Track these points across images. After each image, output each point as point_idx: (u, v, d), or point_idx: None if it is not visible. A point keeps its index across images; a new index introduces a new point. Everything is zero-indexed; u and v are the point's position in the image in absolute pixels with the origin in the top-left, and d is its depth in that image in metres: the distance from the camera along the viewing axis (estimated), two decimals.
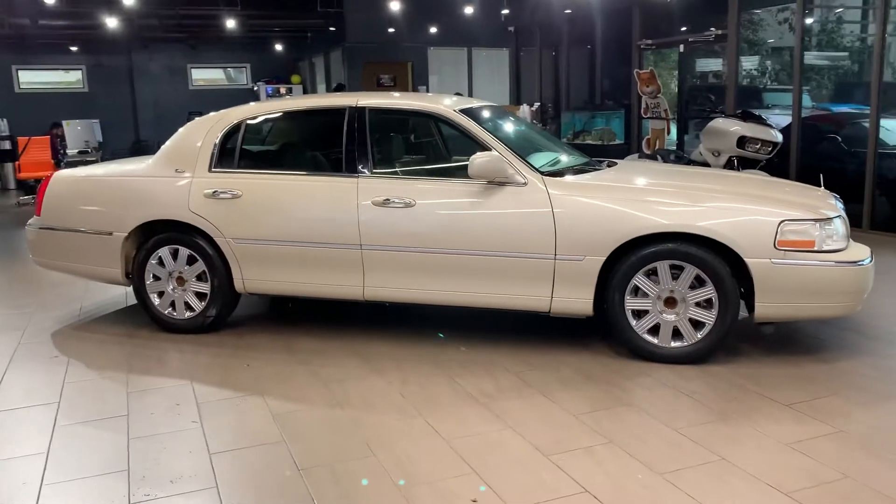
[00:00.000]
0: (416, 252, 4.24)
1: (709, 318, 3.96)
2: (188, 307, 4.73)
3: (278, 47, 18.47)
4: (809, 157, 8.80)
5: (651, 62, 11.64)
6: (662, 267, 3.96)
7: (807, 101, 15.16)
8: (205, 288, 4.67)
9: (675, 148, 10.93)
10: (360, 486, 2.81)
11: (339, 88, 13.94)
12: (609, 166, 4.79)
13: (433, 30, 14.73)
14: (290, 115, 4.87)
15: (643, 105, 10.90)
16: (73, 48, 17.39)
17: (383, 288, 4.38)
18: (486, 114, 4.67)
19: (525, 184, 4.13)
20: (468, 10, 13.91)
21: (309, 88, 18.77)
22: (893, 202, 8.18)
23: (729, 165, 7.86)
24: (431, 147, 5.14)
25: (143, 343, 4.61)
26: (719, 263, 3.88)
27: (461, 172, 4.32)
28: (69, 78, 18.48)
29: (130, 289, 5.68)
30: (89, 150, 12.71)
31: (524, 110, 12.04)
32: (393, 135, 4.98)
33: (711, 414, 3.42)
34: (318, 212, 4.41)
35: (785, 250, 3.81)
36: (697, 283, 3.94)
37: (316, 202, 4.42)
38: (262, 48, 18.57)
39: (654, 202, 4.01)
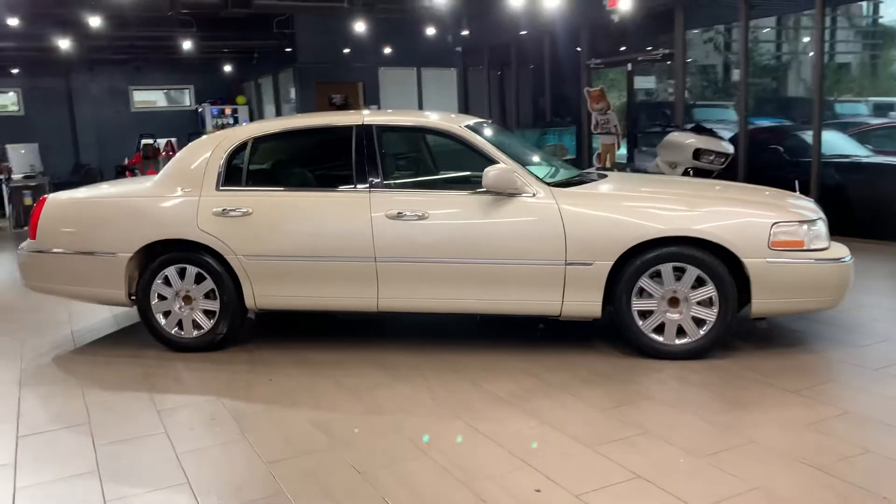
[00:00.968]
0: (430, 262, 4.39)
1: (710, 315, 4.24)
2: (196, 325, 4.74)
3: (223, 68, 18.31)
4: (755, 167, 9.34)
5: (601, 80, 12.11)
6: (666, 269, 4.23)
7: (731, 115, 16.00)
8: (213, 306, 4.70)
9: (626, 162, 11.39)
10: (425, 485, 2.94)
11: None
12: (600, 178, 5.05)
13: (384, 50, 14.92)
14: (296, 134, 4.96)
15: (593, 121, 11.35)
16: (12, 70, 16.84)
17: (397, 298, 4.51)
18: (486, 130, 4.87)
19: (534, 195, 4.34)
20: (417, 31, 14.17)
21: (255, 109, 18.66)
22: (835, 207, 8.78)
23: (685, 176, 8.30)
24: (434, 161, 5.31)
25: (153, 363, 4.59)
26: (718, 264, 4.17)
27: (469, 185, 4.52)
28: (3, 101, 17.85)
29: (119, 311, 5.69)
30: (35, 174, 12.35)
31: None
32: (399, 150, 5.13)
33: (728, 402, 3.69)
34: (331, 226, 4.51)
35: (778, 250, 4.13)
36: (698, 283, 4.22)
37: (329, 217, 4.52)
38: (206, 69, 18.38)
39: (658, 208, 4.28)
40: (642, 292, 4.29)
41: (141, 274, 4.77)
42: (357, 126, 4.66)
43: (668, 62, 10.74)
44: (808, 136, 10.46)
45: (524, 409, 3.68)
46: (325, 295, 4.57)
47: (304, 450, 3.30)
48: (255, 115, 18.53)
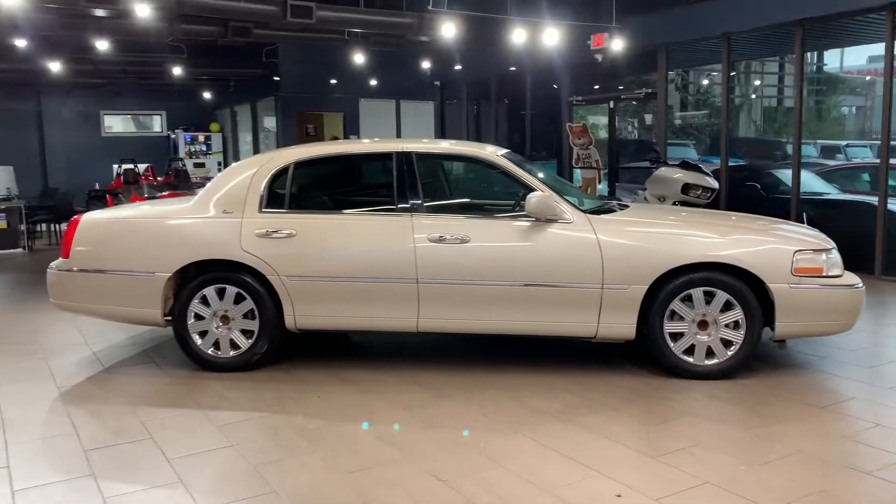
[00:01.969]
0: (471, 284, 4.57)
1: (737, 337, 4.50)
2: (233, 345, 4.80)
3: (196, 95, 18.28)
4: (734, 203, 9.79)
5: (581, 117, 12.55)
6: (697, 293, 4.49)
7: (691, 153, 16.68)
8: (252, 325, 4.77)
9: (607, 196, 11.79)
10: (509, 492, 3.08)
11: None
12: (621, 208, 5.31)
13: (365, 82, 15.18)
14: (336, 160, 5.11)
15: (575, 155, 11.74)
16: None
17: (438, 319, 4.66)
18: (517, 158, 5.10)
19: (572, 221, 4.57)
20: (397, 64, 14.48)
21: (229, 137, 18.65)
22: None
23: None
24: (470, 188, 5.51)
25: (190, 382, 4.63)
26: (746, 289, 4.45)
27: (506, 211, 4.74)
28: None
29: (136, 333, 5.71)
30: (11, 196, 12.14)
31: None
32: (438, 177, 5.31)
33: (765, 417, 3.93)
34: (374, 249, 4.65)
35: (800, 276, 4.43)
36: (726, 307, 4.49)
37: (372, 240, 4.67)
38: (180, 95, 18.32)
39: (691, 235, 4.55)
40: (673, 315, 4.53)
41: (177, 294, 4.83)
42: (397, 153, 4.84)
43: (651, 101, 11.22)
44: (780, 174, 11.03)
45: (577, 423, 3.85)
46: (366, 315, 4.70)
47: (379, 461, 3.40)
48: (230, 142, 18.52)
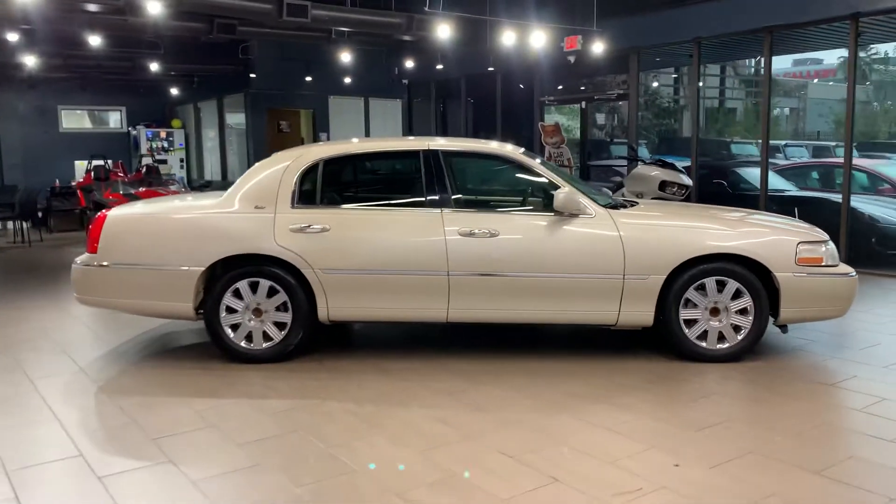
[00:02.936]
0: (500, 276, 4.80)
1: (746, 323, 4.85)
2: (266, 337, 4.92)
3: (158, 90, 17.98)
4: (704, 199, 10.27)
5: (554, 116, 12.90)
6: (710, 282, 4.82)
7: (643, 152, 17.25)
8: (285, 318, 4.90)
9: None
10: (577, 464, 3.32)
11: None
12: (631, 204, 5.62)
13: (334, 80, 15.24)
14: (365, 156, 5.28)
15: (546, 154, 12.09)
16: None
17: (467, 310, 4.87)
18: (536, 158, 5.35)
19: (594, 216, 4.85)
20: (367, 62, 14.58)
21: (192, 134, 18.41)
22: None
23: None
24: (493, 184, 5.73)
25: (227, 373, 4.73)
26: (754, 278, 4.81)
27: (531, 205, 5.00)
28: None
29: (151, 327, 5.77)
30: None
31: None
32: (464, 173, 5.51)
33: (784, 395, 4.27)
34: (407, 243, 4.84)
35: (802, 266, 4.81)
36: (736, 294, 4.83)
37: (404, 234, 4.85)
38: (140, 91, 18.00)
39: (705, 228, 4.89)
40: (687, 303, 4.85)
41: (208, 288, 4.92)
42: (424, 151, 5.03)
43: (622, 102, 11.63)
44: (742, 171, 11.60)
45: (614, 404, 4.13)
46: (398, 306, 4.88)
47: (443, 441, 3.60)
48: (192, 139, 18.30)
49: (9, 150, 17.05)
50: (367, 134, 16.14)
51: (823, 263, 4.87)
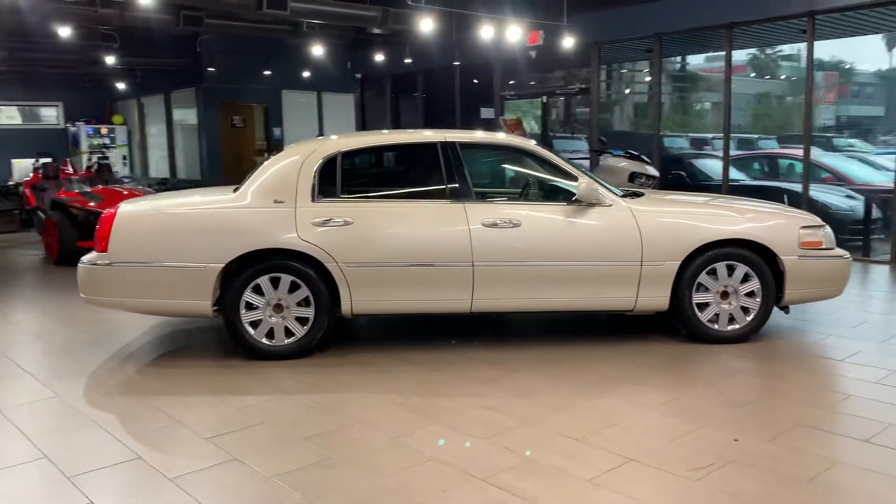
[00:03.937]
0: (523, 265, 4.88)
1: (754, 305, 5.09)
2: (287, 333, 4.86)
3: (98, 85, 17.23)
4: (667, 188, 10.60)
5: (517, 110, 13.07)
6: (721, 267, 5.03)
7: (584, 146, 17.65)
8: (307, 313, 4.85)
9: None
10: (640, 443, 3.43)
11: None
12: (636, 195, 5.75)
13: (287, 74, 14.99)
14: (382, 149, 5.26)
15: None
16: None
17: (491, 300, 4.94)
18: (550, 149, 5.45)
19: (611, 205, 4.99)
20: (317, 57, 14.40)
21: (136, 130, 17.76)
22: None
23: None
24: (507, 175, 5.79)
25: (252, 370, 4.64)
26: (762, 262, 5.04)
27: (549, 196, 5.11)
28: None
29: (155, 326, 5.61)
30: None
31: None
32: (482, 164, 5.56)
33: (803, 370, 4.51)
34: (431, 234, 4.86)
35: (805, 249, 5.07)
36: (744, 278, 5.06)
37: (428, 226, 4.87)
38: (78, 86, 17.22)
39: (715, 215, 5.09)
40: (699, 287, 5.05)
41: (226, 285, 4.83)
42: (441, 143, 5.06)
43: (582, 95, 11.89)
44: (699, 163, 12.03)
45: (650, 385, 4.27)
46: (423, 298, 4.90)
47: (503, 427, 3.65)
48: (136, 135, 17.67)
49: None
50: (321, 129, 15.94)
51: (823, 246, 5.14)
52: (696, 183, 11.07)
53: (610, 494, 2.94)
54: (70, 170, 12.56)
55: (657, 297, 5.01)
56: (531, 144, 5.21)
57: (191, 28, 9.61)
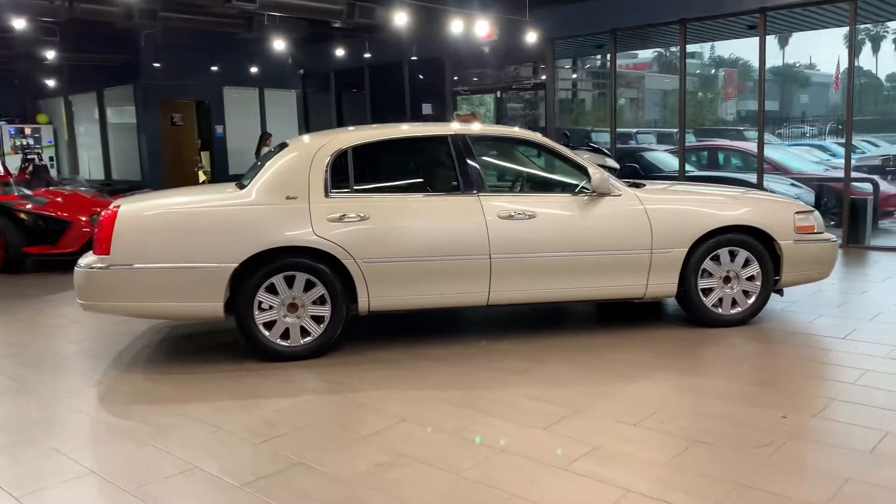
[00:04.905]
0: (538, 257, 4.91)
1: (754, 289, 5.28)
2: (303, 333, 4.74)
3: (19, 83, 16.24)
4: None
5: (472, 104, 13.11)
6: (724, 253, 5.20)
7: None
8: (322, 311, 4.74)
9: None
10: (695, 422, 3.51)
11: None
12: (637, 186, 5.84)
13: (228, 70, 14.55)
14: (393, 143, 5.16)
15: None
16: None
17: (507, 291, 4.94)
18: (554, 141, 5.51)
19: (621, 195, 5.08)
20: (260, 52, 14.10)
21: (62, 130, 16.84)
22: None
23: None
24: (518, 167, 5.78)
25: (271, 373, 4.50)
26: (762, 247, 5.24)
27: (560, 187, 5.16)
28: None
29: (152, 329, 5.39)
30: None
31: None
32: (490, 157, 5.54)
33: (815, 349, 4.73)
34: (448, 228, 4.82)
35: (800, 234, 5.30)
36: (745, 263, 5.24)
37: (446, 219, 4.84)
38: None
39: (718, 203, 5.26)
40: (703, 273, 5.21)
41: (236, 286, 4.66)
42: (452, 136, 5.03)
43: (538, 91, 12.03)
44: (649, 155, 12.39)
45: (675, 370, 4.38)
46: (440, 292, 4.86)
47: (554, 417, 3.66)
48: (62, 135, 16.76)
49: None
50: (264, 126, 15.54)
51: (815, 231, 5.39)
52: (649, 174, 11.38)
53: (697, 478, 2.99)
54: (1, 171, 11.87)
55: (666, 284, 5.13)
56: (541, 137, 5.24)
57: (146, 22, 9.18)
